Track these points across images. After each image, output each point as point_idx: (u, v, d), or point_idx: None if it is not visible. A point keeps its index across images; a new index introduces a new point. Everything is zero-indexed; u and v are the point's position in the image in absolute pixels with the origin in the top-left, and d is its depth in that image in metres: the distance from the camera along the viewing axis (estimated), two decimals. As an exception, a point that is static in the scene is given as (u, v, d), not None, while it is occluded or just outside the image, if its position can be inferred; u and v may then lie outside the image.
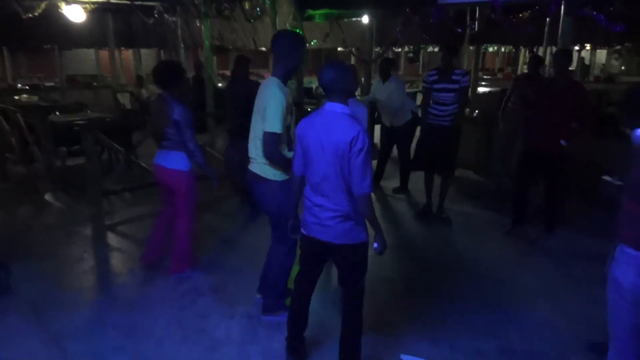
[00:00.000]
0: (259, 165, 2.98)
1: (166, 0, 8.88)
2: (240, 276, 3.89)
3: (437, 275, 4.00)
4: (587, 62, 21.87)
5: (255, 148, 2.98)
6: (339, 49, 19.58)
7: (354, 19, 9.26)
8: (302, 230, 2.60)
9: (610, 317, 2.30)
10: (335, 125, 2.33)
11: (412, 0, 5.66)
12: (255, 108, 2.96)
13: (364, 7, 7.13)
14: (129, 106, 10.78)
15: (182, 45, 11.91)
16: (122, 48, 15.06)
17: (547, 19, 9.62)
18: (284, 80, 2.90)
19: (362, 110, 3.50)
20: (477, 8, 9.08)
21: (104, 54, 14.58)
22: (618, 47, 16.43)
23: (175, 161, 3.59)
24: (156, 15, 9.00)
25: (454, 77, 4.77)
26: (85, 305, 3.54)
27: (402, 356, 2.90)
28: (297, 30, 6.32)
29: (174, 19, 10.21)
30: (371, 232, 2.47)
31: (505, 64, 28.19)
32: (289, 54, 2.86)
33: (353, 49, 9.88)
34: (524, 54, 21.83)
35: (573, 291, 3.73)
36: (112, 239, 4.80)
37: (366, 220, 2.46)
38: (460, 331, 3.20)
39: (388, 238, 2.56)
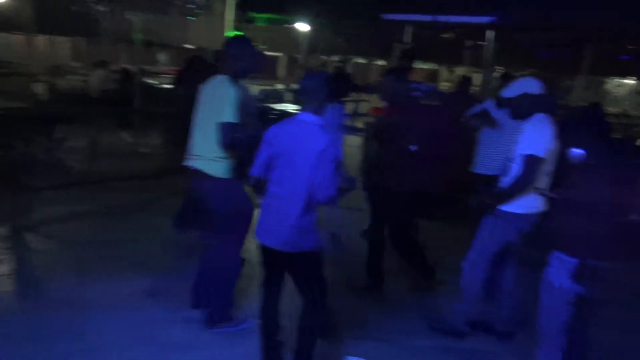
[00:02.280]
0: (206, 162, 2.94)
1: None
2: (179, 278, 3.62)
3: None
4: None
5: (201, 143, 2.98)
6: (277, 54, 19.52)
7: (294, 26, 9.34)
8: (257, 237, 2.58)
9: (542, 319, 2.56)
10: (306, 134, 2.40)
11: (356, 12, 5.84)
12: (202, 107, 3.03)
13: (312, 14, 7.17)
14: (45, 96, 10.01)
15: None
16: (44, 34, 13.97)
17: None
18: (234, 79, 2.97)
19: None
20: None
21: (17, 38, 13.43)
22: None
23: None
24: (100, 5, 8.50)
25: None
26: (22, 308, 3.28)
27: (347, 357, 2.95)
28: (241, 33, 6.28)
29: (102, 8, 9.71)
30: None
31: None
32: (238, 56, 3.00)
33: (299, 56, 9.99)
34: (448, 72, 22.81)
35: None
36: (32, 239, 4.41)
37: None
38: (399, 331, 3.37)
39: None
